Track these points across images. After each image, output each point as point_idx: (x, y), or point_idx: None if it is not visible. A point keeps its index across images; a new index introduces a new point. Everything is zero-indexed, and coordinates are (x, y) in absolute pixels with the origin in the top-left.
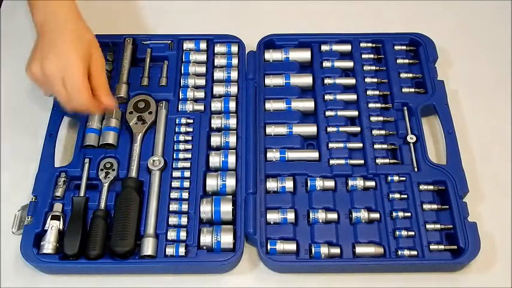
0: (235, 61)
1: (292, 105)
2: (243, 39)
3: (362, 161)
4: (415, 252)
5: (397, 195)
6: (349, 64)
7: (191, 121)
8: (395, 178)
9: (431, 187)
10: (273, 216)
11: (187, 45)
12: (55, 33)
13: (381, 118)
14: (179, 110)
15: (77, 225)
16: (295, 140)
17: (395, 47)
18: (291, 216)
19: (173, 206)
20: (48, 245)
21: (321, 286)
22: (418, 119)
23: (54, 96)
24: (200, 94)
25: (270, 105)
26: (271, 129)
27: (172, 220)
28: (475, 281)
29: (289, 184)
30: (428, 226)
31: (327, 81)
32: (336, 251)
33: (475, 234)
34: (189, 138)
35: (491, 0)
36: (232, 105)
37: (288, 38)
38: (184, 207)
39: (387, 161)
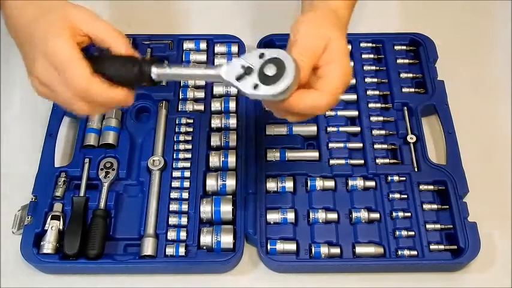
0: None
1: None
2: (243, 39)
3: (362, 161)
4: (415, 252)
5: (397, 195)
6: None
7: (191, 121)
8: (396, 178)
9: (431, 187)
10: (273, 216)
11: (187, 45)
12: (20, 31)
13: (380, 118)
14: (179, 110)
15: (77, 225)
16: (295, 140)
17: (395, 47)
18: (291, 216)
19: (173, 206)
20: (48, 244)
21: (321, 286)
22: (418, 119)
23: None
24: (200, 94)
25: None
26: (271, 129)
27: (172, 220)
28: (475, 281)
29: (289, 184)
30: (428, 226)
31: None
32: (336, 251)
33: (475, 234)
34: (189, 138)
35: (491, 0)
36: (232, 105)
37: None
38: (184, 207)
39: (387, 161)
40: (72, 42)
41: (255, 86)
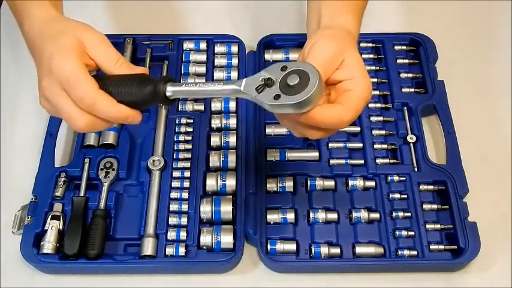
0: (235, 61)
1: None
2: (243, 39)
3: (362, 161)
4: (415, 252)
5: (397, 195)
6: None
7: (191, 121)
8: (395, 178)
9: (431, 187)
10: (273, 216)
11: (187, 45)
12: (31, 50)
13: (380, 118)
14: (179, 110)
15: (77, 225)
16: (295, 140)
17: (395, 47)
18: (291, 216)
19: (173, 206)
20: (48, 245)
21: (321, 286)
22: (418, 119)
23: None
24: None
25: None
26: (271, 130)
27: (172, 220)
28: (475, 281)
29: (289, 184)
30: (428, 226)
31: None
32: (336, 251)
33: (475, 234)
34: (189, 138)
35: (491, 0)
36: (232, 105)
37: (288, 38)
38: (184, 207)
39: (387, 161)
40: (79, 61)
41: (276, 96)
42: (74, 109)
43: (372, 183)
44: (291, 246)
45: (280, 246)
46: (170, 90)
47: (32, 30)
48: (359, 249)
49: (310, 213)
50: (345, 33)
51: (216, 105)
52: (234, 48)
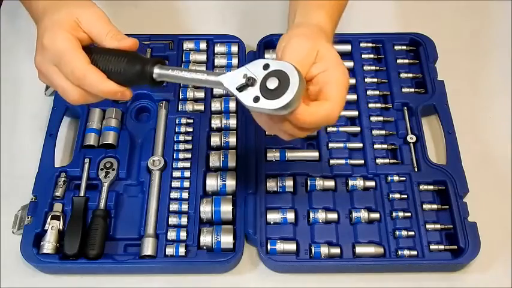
0: (235, 61)
1: None
2: (243, 39)
3: (362, 161)
4: (415, 252)
5: (397, 195)
6: (349, 64)
7: (191, 121)
8: (395, 178)
9: (431, 187)
10: (273, 216)
11: (187, 45)
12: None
13: (380, 118)
14: (179, 110)
15: (77, 225)
16: (295, 140)
17: (395, 47)
18: (291, 216)
19: (173, 206)
20: (48, 245)
21: (321, 286)
22: (418, 119)
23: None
24: (200, 94)
25: None
26: None
27: (172, 220)
28: (475, 281)
29: (289, 184)
30: (428, 226)
31: None
32: (336, 251)
33: (475, 234)
34: (189, 138)
35: (491, 0)
36: (232, 105)
37: None
38: (184, 207)
39: (387, 161)
40: (69, 36)
41: (256, 99)
42: (66, 83)
43: (372, 183)
44: (291, 246)
45: (280, 246)
46: (156, 72)
47: (37, 9)
48: (359, 249)
49: (310, 213)
50: (317, 29)
51: (216, 105)
52: (234, 48)
